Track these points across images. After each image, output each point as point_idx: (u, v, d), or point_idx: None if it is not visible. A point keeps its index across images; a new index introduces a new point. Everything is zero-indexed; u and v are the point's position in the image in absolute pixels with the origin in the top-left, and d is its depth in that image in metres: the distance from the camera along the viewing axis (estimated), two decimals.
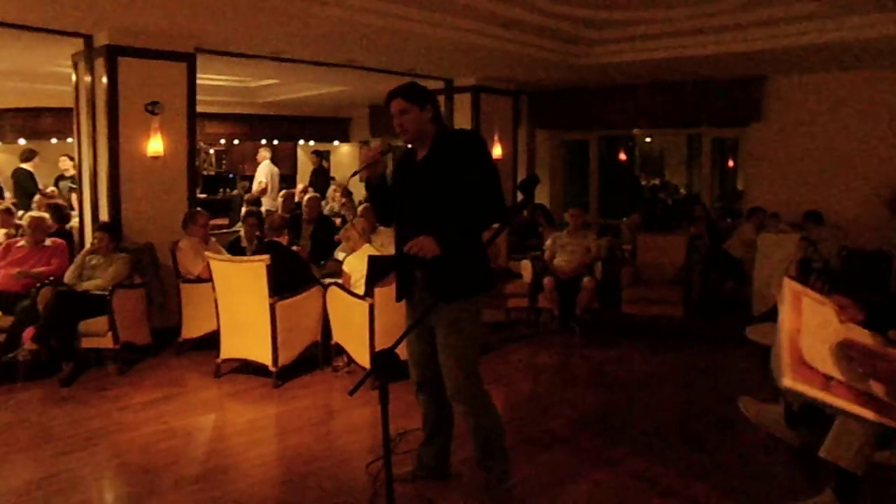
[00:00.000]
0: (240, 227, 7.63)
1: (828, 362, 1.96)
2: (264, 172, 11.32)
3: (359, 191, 12.33)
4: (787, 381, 1.92)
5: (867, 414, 1.90)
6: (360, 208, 7.67)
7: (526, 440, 4.28)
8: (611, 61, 8.03)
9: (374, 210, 3.73)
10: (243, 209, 9.63)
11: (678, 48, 7.44)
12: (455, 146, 3.24)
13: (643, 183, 13.15)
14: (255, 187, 11.37)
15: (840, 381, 1.94)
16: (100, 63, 6.18)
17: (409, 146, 3.41)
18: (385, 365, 2.34)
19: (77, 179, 6.93)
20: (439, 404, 3.47)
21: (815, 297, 2.14)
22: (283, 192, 9.91)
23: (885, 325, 2.11)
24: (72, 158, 9.23)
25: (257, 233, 6.95)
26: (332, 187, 11.62)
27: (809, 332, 2.02)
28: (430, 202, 3.20)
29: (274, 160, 12.08)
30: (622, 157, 12.49)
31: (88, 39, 6.27)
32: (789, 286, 2.14)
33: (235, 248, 6.75)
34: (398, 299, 3.45)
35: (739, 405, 4.04)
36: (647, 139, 13.37)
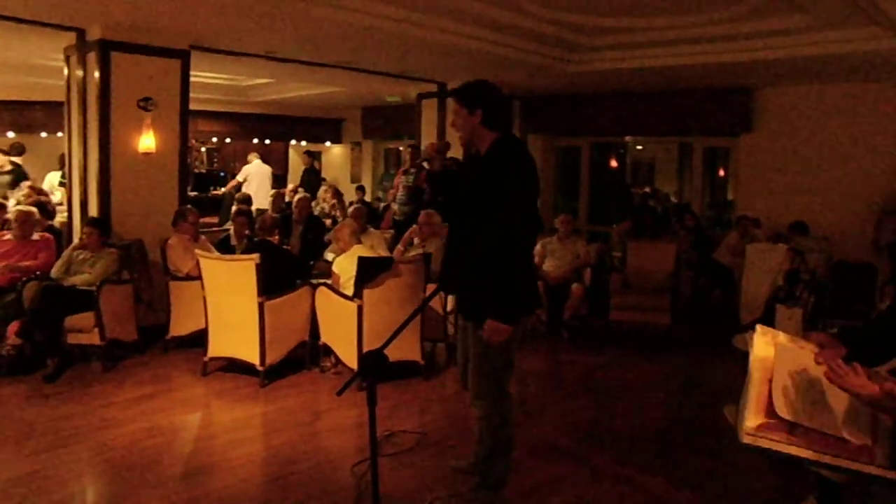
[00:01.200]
0: (230, 226, 7.61)
1: (800, 411, 1.95)
2: (244, 172, 11.59)
3: (349, 192, 12.33)
4: (748, 439, 1.91)
5: (841, 462, 1.90)
6: (350, 209, 7.66)
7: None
8: (603, 68, 8.06)
9: (442, 205, 3.72)
10: (233, 208, 9.61)
11: (670, 57, 7.48)
12: (496, 158, 3.16)
13: (634, 190, 13.19)
14: (231, 184, 11.72)
15: (810, 428, 1.93)
16: (92, 57, 6.14)
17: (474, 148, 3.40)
18: (373, 366, 2.34)
19: (67, 174, 6.88)
20: None
21: (792, 341, 2.12)
22: (273, 191, 9.92)
23: (868, 358, 2.10)
24: (6, 153, 9.20)
25: (247, 231, 6.93)
26: (323, 188, 11.62)
27: (782, 379, 2.00)
28: (469, 208, 3.20)
29: (265, 160, 12.09)
30: (613, 164, 12.53)
31: (81, 33, 6.24)
32: (761, 333, 2.13)
33: (224, 247, 6.72)
34: (443, 290, 3.42)
35: (725, 413, 4.06)
36: (639, 147, 13.42)
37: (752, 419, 1.94)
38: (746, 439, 1.92)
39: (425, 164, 3.42)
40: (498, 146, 3.19)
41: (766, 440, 1.92)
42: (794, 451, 1.90)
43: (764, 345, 2.07)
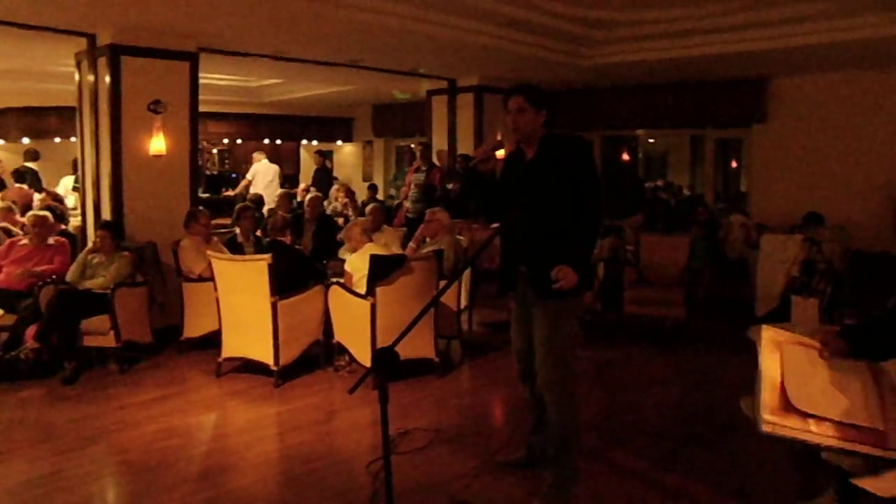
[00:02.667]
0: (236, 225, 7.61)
1: (813, 401, 1.97)
2: (252, 171, 11.66)
3: (361, 191, 12.34)
4: (767, 427, 1.93)
5: (855, 447, 1.90)
6: (368, 207, 7.66)
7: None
8: (615, 61, 8.02)
9: (464, 199, 3.86)
10: (237, 207, 9.64)
11: (682, 48, 7.43)
12: (564, 150, 3.33)
13: (647, 184, 13.12)
14: (241, 184, 11.77)
15: (828, 419, 1.94)
16: (103, 62, 6.19)
17: (519, 146, 3.48)
18: (385, 363, 2.33)
19: (80, 178, 6.94)
20: (541, 395, 3.51)
21: (798, 340, 2.15)
22: (280, 191, 9.91)
23: (873, 352, 2.09)
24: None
25: (257, 232, 6.93)
26: (335, 187, 11.64)
27: (796, 375, 2.03)
28: (538, 204, 3.29)
29: (277, 160, 12.13)
30: (625, 157, 12.47)
31: (92, 38, 6.28)
32: (766, 334, 2.15)
33: (232, 246, 6.72)
34: (501, 294, 3.57)
35: (742, 406, 4.02)
36: (651, 140, 13.35)
37: (768, 410, 1.96)
38: (766, 428, 1.94)
39: (479, 166, 3.45)
40: (556, 139, 3.36)
41: (785, 429, 1.93)
42: (810, 437, 1.92)
43: (771, 342, 2.09)
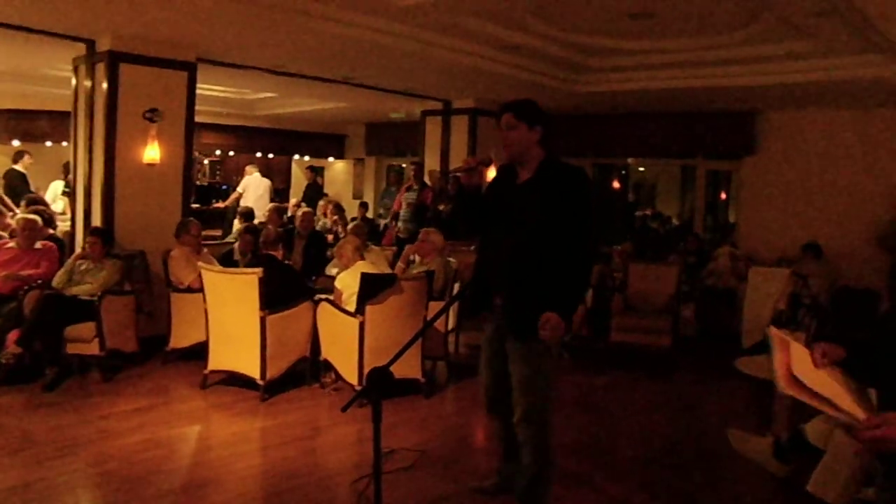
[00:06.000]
0: (233, 239, 7.60)
1: (825, 386, 2.02)
2: (243, 184, 11.61)
3: (351, 208, 12.34)
4: (782, 385, 2.01)
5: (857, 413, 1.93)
6: (350, 226, 7.66)
7: None
8: (609, 89, 8.11)
9: (454, 219, 3.64)
10: (236, 222, 9.61)
11: (676, 79, 7.53)
12: (560, 180, 3.18)
13: (636, 213, 13.24)
14: (232, 197, 11.72)
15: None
16: (101, 68, 6.18)
17: (511, 164, 3.35)
18: (379, 383, 2.32)
19: (72, 183, 6.89)
20: (511, 425, 3.38)
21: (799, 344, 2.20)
22: (271, 204, 9.89)
23: (864, 372, 2.13)
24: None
25: (252, 248, 6.91)
26: (322, 202, 11.64)
27: (800, 369, 2.09)
28: (525, 230, 3.13)
29: (268, 173, 12.10)
30: (616, 185, 12.58)
31: (91, 44, 6.28)
32: (774, 333, 2.20)
33: (227, 261, 6.71)
34: (471, 315, 3.44)
35: (728, 437, 4.04)
36: (641, 168, 13.47)
37: (781, 378, 2.07)
38: (782, 385, 2.08)
39: (460, 175, 3.35)
40: (557, 167, 3.24)
41: (797, 392, 2.04)
42: (816, 404, 1.99)
43: (779, 341, 2.17)
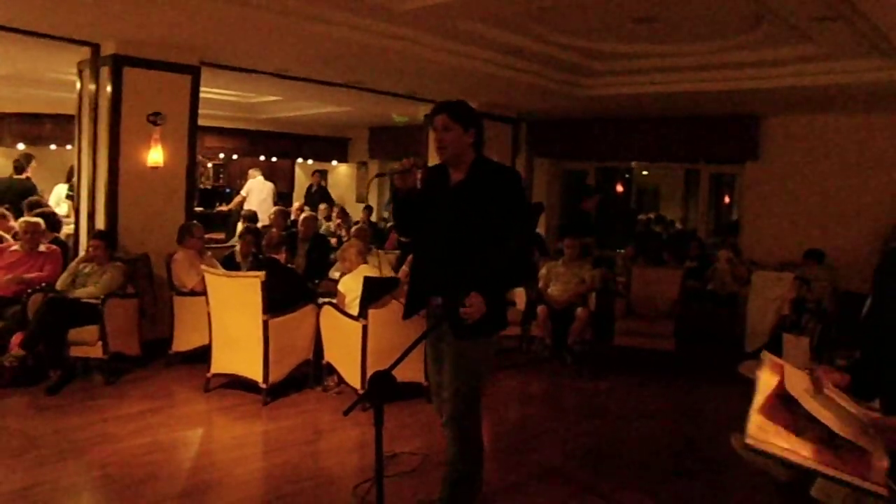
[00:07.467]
0: (235, 242, 7.60)
1: (812, 406, 1.96)
2: (247, 187, 11.67)
3: (355, 212, 12.35)
4: (750, 441, 1.91)
5: (838, 475, 1.88)
6: (353, 229, 7.66)
7: (514, 469, 4.24)
8: (613, 93, 8.10)
9: (397, 221, 3.62)
10: (239, 225, 9.61)
11: (679, 83, 7.52)
12: (493, 180, 3.16)
13: (639, 217, 13.22)
14: (236, 200, 11.78)
15: (814, 437, 1.93)
16: (105, 72, 6.19)
17: (442, 165, 3.31)
18: (381, 387, 2.31)
19: (76, 186, 6.90)
20: None
21: (796, 368, 2.15)
22: (275, 207, 9.89)
23: (868, 390, 2.11)
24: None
25: (253, 249, 6.92)
26: (322, 206, 11.64)
27: (794, 390, 2.02)
28: (461, 231, 3.12)
29: (272, 177, 12.12)
30: (619, 188, 12.57)
31: (95, 48, 6.29)
32: (771, 357, 2.14)
33: (230, 264, 6.72)
34: (406, 317, 3.35)
35: (732, 441, 4.02)
36: (644, 172, 13.46)
37: (756, 425, 1.94)
38: (749, 441, 1.92)
39: (396, 179, 3.31)
40: (488, 166, 3.21)
41: (768, 445, 1.91)
42: (791, 456, 1.90)
43: (774, 362, 2.09)
